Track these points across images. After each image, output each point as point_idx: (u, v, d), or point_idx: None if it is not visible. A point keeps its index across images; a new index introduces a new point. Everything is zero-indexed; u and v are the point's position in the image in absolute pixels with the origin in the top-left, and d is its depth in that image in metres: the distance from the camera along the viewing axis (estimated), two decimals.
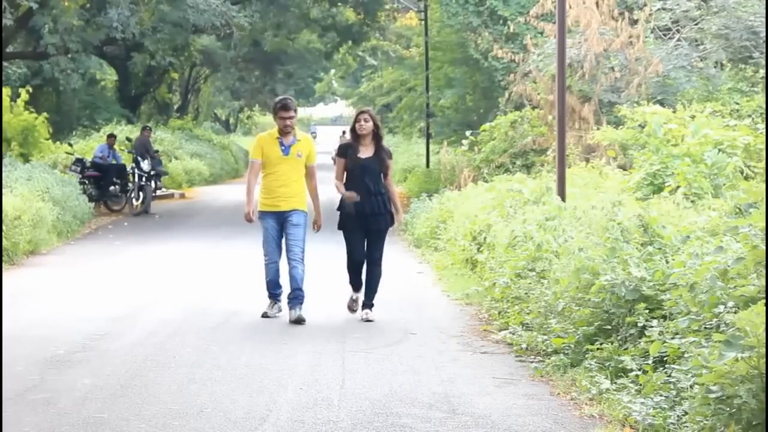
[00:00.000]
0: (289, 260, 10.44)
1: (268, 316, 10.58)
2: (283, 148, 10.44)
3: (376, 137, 10.47)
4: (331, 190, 10.89)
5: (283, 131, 10.47)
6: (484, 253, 13.02)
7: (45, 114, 28.07)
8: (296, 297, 10.40)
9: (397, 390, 7.56)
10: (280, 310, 10.67)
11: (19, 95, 27.11)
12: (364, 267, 10.58)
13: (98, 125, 37.84)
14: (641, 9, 20.95)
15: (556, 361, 8.15)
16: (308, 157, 10.56)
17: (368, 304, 10.58)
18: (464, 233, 14.61)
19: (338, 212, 10.59)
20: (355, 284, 10.66)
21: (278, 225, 10.47)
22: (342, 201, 10.46)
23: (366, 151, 10.44)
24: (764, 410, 5.55)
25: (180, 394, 7.42)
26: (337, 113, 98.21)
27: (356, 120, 10.53)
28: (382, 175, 10.47)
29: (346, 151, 10.51)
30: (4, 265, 14.41)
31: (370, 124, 10.44)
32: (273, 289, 10.66)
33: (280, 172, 10.43)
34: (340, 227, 10.55)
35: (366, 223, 10.39)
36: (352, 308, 10.71)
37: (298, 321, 10.27)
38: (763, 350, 5.58)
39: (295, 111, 10.55)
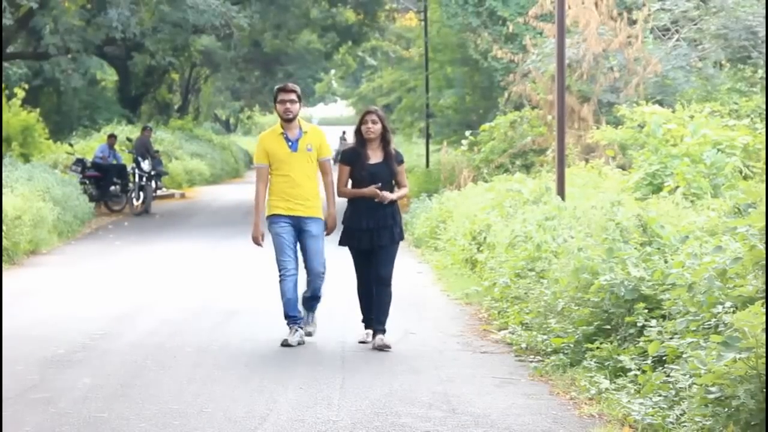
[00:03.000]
0: (309, 273, 9.22)
1: (289, 345, 9.11)
2: (290, 143, 9.06)
3: (384, 141, 9.14)
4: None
5: (285, 118, 9.05)
6: (483, 252, 13.04)
7: (39, 110, 28.08)
8: (314, 297, 9.33)
9: (397, 389, 7.57)
10: (302, 337, 9.23)
11: (15, 94, 27.12)
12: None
13: (99, 125, 37.84)
14: (640, 9, 20.98)
15: (555, 360, 8.17)
16: (320, 150, 9.14)
17: (379, 329, 9.17)
18: (464, 233, 14.63)
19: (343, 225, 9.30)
20: (366, 315, 9.33)
21: (294, 230, 9.12)
22: (346, 215, 9.21)
23: (374, 157, 9.12)
24: (763, 410, 5.57)
25: (180, 393, 7.44)
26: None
27: (362, 121, 9.14)
28: (394, 183, 9.17)
29: (351, 158, 9.15)
30: (4, 265, 14.44)
31: (379, 126, 9.07)
32: (292, 310, 9.17)
33: (290, 171, 9.05)
34: (341, 244, 9.28)
35: (371, 239, 9.09)
36: (365, 341, 9.30)
37: (308, 333, 9.33)
38: (762, 351, 5.59)
39: (299, 97, 9.13)
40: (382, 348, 9.02)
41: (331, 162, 9.40)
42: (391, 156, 9.14)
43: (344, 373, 8.12)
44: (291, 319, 9.18)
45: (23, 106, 28.30)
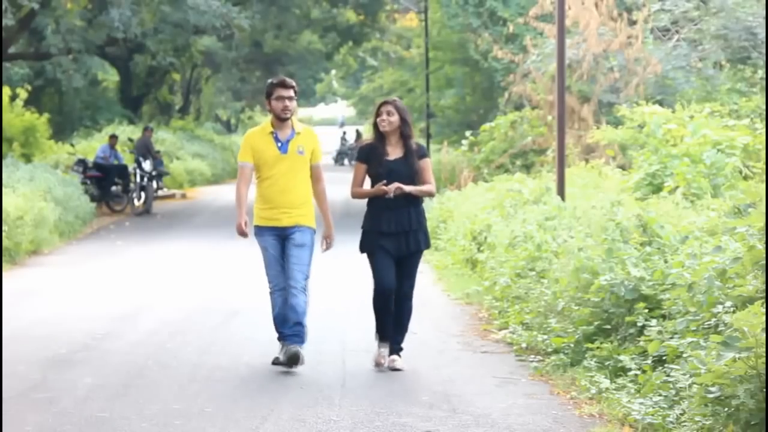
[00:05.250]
0: (289, 287, 8.19)
1: (281, 364, 8.22)
2: (279, 144, 8.20)
3: (404, 134, 8.26)
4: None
5: (282, 117, 8.18)
6: (484, 252, 13.06)
7: (47, 115, 28.14)
8: (296, 333, 8.17)
9: (398, 389, 7.59)
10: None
11: (17, 95, 27.14)
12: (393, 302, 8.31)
13: (100, 126, 37.84)
14: (640, 10, 21.02)
15: (555, 360, 8.19)
16: (313, 154, 8.28)
17: (396, 348, 8.35)
18: (464, 233, 14.65)
19: (361, 228, 8.44)
20: (383, 330, 8.32)
21: (280, 242, 8.28)
22: (366, 217, 8.36)
23: (393, 153, 8.27)
24: (762, 410, 5.58)
25: (181, 393, 7.46)
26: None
27: (377, 114, 8.27)
28: (416, 181, 8.25)
29: (367, 154, 8.31)
30: (6, 265, 14.46)
31: (396, 117, 8.20)
32: (283, 326, 8.24)
33: (278, 175, 8.20)
34: (362, 250, 8.37)
35: (396, 244, 8.21)
36: (379, 363, 8.31)
37: (294, 359, 8.13)
38: (761, 350, 5.61)
39: (296, 92, 8.26)
40: (394, 369, 8.23)
41: (321, 167, 8.45)
42: (412, 151, 8.24)
43: (345, 373, 8.14)
44: (282, 335, 8.27)
45: (26, 107, 28.32)
